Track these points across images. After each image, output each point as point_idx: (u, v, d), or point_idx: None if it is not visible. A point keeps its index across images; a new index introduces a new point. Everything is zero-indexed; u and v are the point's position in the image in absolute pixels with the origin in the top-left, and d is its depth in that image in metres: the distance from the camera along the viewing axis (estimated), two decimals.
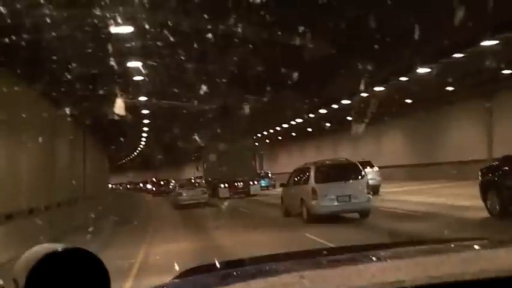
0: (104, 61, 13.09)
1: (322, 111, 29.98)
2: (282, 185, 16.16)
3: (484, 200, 11.22)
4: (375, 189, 20.87)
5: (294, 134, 42.12)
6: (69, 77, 13.60)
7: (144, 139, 42.56)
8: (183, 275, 1.61)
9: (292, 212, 14.12)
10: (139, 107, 23.51)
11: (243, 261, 1.83)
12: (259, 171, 37.03)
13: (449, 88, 23.43)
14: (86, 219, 16.30)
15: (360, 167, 13.18)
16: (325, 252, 2.03)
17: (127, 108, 17.82)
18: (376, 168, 22.39)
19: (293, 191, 14.01)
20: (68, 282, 0.87)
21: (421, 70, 19.22)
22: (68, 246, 0.91)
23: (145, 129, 34.11)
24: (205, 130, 30.26)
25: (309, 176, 12.84)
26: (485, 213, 11.09)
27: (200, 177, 33.57)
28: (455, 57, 16.80)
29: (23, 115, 12.40)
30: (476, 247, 1.51)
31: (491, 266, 1.01)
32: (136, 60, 14.79)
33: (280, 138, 45.74)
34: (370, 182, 20.95)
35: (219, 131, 30.39)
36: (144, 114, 26.45)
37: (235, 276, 1.41)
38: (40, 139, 14.07)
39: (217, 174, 29.26)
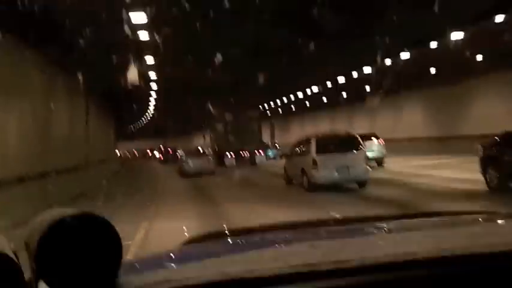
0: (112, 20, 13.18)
1: (340, 79, 29.49)
2: (284, 155, 17.04)
3: (484, 174, 11.69)
4: (379, 161, 21.79)
5: (308, 104, 41.37)
6: (79, 42, 13.72)
7: (152, 106, 42.90)
8: (192, 240, 1.62)
9: (294, 181, 14.99)
10: (149, 75, 24.02)
11: (253, 229, 1.85)
12: (267, 142, 37.96)
13: (479, 57, 22.50)
14: (84, 189, 16.16)
15: (359, 140, 13.92)
16: (335, 222, 2.07)
17: (138, 75, 18.28)
18: (381, 141, 22.75)
19: (295, 161, 14.85)
20: (81, 247, 0.88)
21: (453, 36, 18.32)
22: (81, 211, 0.91)
23: (154, 96, 34.50)
24: (215, 100, 30.93)
25: (310, 147, 13.64)
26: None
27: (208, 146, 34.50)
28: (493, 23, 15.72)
29: (14, 75, 11.44)
30: (485, 221, 1.55)
31: (499, 239, 1.03)
32: (146, 26, 14.93)
33: (294, 108, 45.32)
34: (375, 154, 21.73)
35: (229, 100, 31.06)
36: (153, 81, 26.98)
37: (246, 244, 1.44)
38: (33, 101, 13.08)
39: (224, 143, 30.22)
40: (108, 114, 32.82)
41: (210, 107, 30.93)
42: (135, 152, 73.73)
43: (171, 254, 1.36)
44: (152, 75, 24.36)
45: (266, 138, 38.12)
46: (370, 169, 13.75)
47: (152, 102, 39.15)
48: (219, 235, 1.73)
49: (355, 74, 28.96)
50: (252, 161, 29.31)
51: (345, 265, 0.88)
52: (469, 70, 23.92)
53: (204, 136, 36.48)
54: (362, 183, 13.30)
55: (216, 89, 27.67)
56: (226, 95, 29.72)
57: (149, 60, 19.99)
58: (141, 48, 17.29)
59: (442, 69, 25.40)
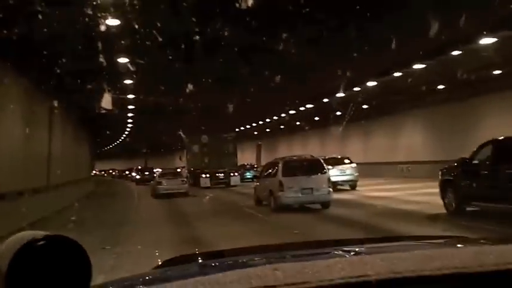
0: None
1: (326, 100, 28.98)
2: (255, 177, 18.10)
3: (442, 198, 12.35)
4: (352, 184, 22.54)
5: (298, 123, 40.54)
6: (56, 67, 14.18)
7: (128, 129, 43.24)
8: (163, 264, 1.69)
9: (263, 202, 16.01)
10: (126, 101, 24.77)
11: (222, 253, 1.97)
12: (249, 164, 39.12)
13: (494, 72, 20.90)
14: (47, 212, 14.90)
15: (323, 163, 15.07)
16: (301, 245, 2.21)
17: (113, 102, 19.08)
18: (354, 164, 23.57)
19: (264, 182, 15.91)
20: (50, 268, 0.89)
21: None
22: (51, 234, 0.92)
23: (130, 120, 35.03)
24: (191, 122, 31.85)
25: (277, 169, 14.76)
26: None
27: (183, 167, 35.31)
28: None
29: None
30: (441, 245, 1.65)
31: (450, 263, 1.07)
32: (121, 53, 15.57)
33: (282, 127, 45.09)
34: (348, 177, 22.63)
35: (205, 123, 31.99)
36: (130, 109, 27.77)
37: (213, 267, 1.51)
38: None
39: (200, 164, 31.16)
40: (83, 135, 32.22)
41: (182, 133, 31.72)
42: (113, 171, 72.87)
43: (141, 278, 1.44)
44: (130, 98, 25.05)
45: (252, 159, 38.39)
46: (331, 191, 14.80)
47: (130, 124, 39.67)
48: (190, 259, 1.84)
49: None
50: (227, 182, 30.23)
51: (302, 286, 0.96)
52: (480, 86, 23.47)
53: (180, 157, 37.32)
54: (325, 204, 14.39)
55: (192, 113, 28.57)
56: (202, 118, 30.65)
57: (127, 85, 20.54)
58: (119, 75, 18.01)
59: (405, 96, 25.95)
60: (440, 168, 13.13)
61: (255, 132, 47.90)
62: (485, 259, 1.12)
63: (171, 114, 30.03)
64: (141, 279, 1.44)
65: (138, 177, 47.53)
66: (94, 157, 59.42)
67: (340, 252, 1.59)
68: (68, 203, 18.95)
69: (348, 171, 23.13)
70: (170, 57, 15.93)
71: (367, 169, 30.22)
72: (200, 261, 1.81)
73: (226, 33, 13.62)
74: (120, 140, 55.54)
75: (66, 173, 22.41)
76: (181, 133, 31.32)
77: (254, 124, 43.30)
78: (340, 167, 23.07)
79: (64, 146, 23.10)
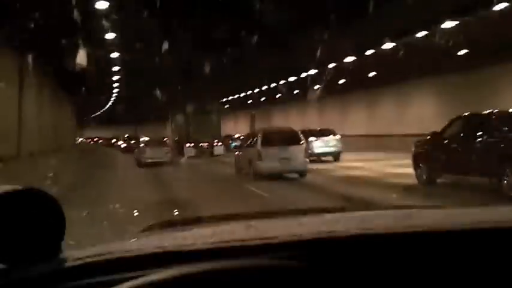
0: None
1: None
2: (236, 147, 18.64)
3: (415, 169, 12.91)
4: (335, 156, 23.00)
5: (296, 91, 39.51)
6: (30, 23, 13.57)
7: (115, 93, 42.98)
8: (149, 228, 1.69)
9: (243, 171, 16.65)
10: (110, 61, 24.47)
11: (202, 218, 2.01)
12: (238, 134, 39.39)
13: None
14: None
15: (300, 135, 15.78)
16: (282, 212, 2.26)
17: (90, 59, 18.11)
18: (338, 136, 23.86)
19: (244, 153, 16.56)
20: (23, 220, 0.89)
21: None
22: (24, 186, 0.92)
23: (116, 84, 34.89)
24: (176, 92, 32.01)
25: (256, 140, 15.42)
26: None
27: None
28: None
29: None
30: (411, 210, 1.69)
31: (422, 222, 1.15)
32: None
33: (277, 96, 42.12)
34: (332, 149, 23.11)
35: (190, 93, 32.19)
36: (114, 71, 27.66)
37: (191, 229, 1.52)
38: None
39: (184, 134, 31.64)
40: (64, 98, 30.92)
41: (172, 98, 31.77)
42: (99, 140, 72.34)
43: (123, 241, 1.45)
44: (113, 57, 24.59)
45: (246, 129, 37.64)
46: (308, 161, 15.57)
47: (116, 89, 39.52)
48: (172, 224, 1.87)
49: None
50: (210, 151, 30.85)
51: (271, 241, 0.97)
52: (414, 70, 23.94)
53: (166, 126, 37.77)
54: (302, 174, 15.16)
55: (178, 81, 28.64)
56: (191, 87, 30.77)
57: (108, 41, 20.12)
58: (100, 29, 17.70)
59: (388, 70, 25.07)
60: (414, 141, 13.69)
61: (250, 101, 46.98)
62: (457, 220, 1.18)
63: (159, 83, 30.02)
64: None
65: (124, 145, 47.56)
66: (81, 123, 58.72)
67: (315, 215, 1.68)
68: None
69: (332, 143, 23.52)
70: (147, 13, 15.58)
71: (371, 141, 29.47)
72: (180, 226, 1.84)
73: None
74: (108, 105, 54.86)
75: (43, 140, 20.97)
76: (162, 96, 31.08)
77: (249, 92, 42.27)
78: (325, 138, 23.44)
79: (39, 110, 21.49)
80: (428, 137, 13.06)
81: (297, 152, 14.94)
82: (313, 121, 33.13)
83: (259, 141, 15.12)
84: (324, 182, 14.41)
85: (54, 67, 22.07)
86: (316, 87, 28.62)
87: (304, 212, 1.95)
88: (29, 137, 17.66)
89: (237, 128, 48.32)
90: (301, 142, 15.39)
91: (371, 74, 28.15)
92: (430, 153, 12.52)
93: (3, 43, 15.51)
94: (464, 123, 11.99)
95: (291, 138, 15.36)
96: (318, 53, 19.18)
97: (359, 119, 33.78)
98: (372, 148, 28.20)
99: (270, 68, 26.90)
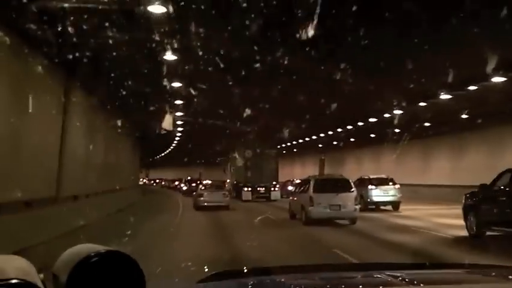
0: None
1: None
2: (290, 193, 19.69)
3: (465, 221, 13.29)
4: (394, 205, 22.91)
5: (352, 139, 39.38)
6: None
7: (177, 138, 44.74)
8: (208, 279, 1.71)
9: (296, 216, 17.72)
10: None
11: (268, 270, 1.98)
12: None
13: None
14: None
15: (351, 183, 16.86)
16: (346, 267, 2.21)
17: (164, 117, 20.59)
18: (397, 186, 23.86)
19: (297, 198, 17.73)
20: (106, 282, 0.96)
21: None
22: (108, 249, 0.99)
23: (179, 134, 36.41)
24: (237, 138, 33.70)
25: (308, 186, 16.59)
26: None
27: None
28: None
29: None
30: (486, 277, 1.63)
31: None
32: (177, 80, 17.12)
33: (341, 143, 42.16)
34: (391, 198, 23.06)
35: (250, 139, 33.70)
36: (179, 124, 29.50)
37: (258, 286, 1.55)
38: None
39: (242, 178, 33.18)
40: (133, 144, 32.53)
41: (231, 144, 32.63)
42: (162, 181, 73.46)
43: None
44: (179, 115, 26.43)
45: (314, 173, 36.38)
46: (358, 208, 16.39)
47: (178, 137, 41.20)
48: (235, 274, 1.87)
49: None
50: (267, 196, 32.04)
51: None
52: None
53: (224, 170, 39.39)
54: (352, 220, 16.05)
55: (239, 130, 30.23)
56: (248, 134, 32.28)
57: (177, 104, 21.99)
58: (173, 94, 19.55)
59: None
60: (465, 193, 14.11)
61: (320, 145, 46.31)
62: None
63: (221, 129, 31.71)
64: None
65: (185, 188, 47.56)
66: (146, 165, 60.30)
67: (384, 276, 1.59)
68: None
69: (391, 192, 23.56)
70: (230, 83, 17.20)
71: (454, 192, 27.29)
72: (244, 277, 1.85)
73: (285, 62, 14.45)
74: (171, 148, 55.76)
75: (96, 181, 19.44)
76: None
77: (320, 135, 40.78)
78: (384, 187, 23.59)
79: (95, 148, 20.10)
80: (478, 189, 13.40)
81: (347, 199, 15.91)
82: (389, 168, 32.11)
83: (311, 188, 16.22)
84: (372, 228, 15.09)
85: (139, 129, 24.13)
86: (393, 131, 27.66)
87: (366, 267, 1.96)
88: (72, 176, 15.77)
89: (304, 172, 47.65)
90: (352, 190, 16.35)
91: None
92: (479, 205, 12.88)
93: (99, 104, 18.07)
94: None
95: (342, 185, 16.41)
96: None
97: (441, 167, 32.10)
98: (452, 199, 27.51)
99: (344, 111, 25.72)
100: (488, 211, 12.53)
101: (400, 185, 24.10)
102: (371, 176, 24.78)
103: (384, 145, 32.26)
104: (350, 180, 16.92)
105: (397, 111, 24.82)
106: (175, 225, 17.49)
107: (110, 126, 20.80)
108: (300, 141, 46.31)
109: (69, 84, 14.91)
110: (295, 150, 51.97)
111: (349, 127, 33.19)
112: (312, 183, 16.43)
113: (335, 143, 42.29)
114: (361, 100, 21.87)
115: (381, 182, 23.82)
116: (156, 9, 10.11)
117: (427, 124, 27.56)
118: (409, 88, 18.37)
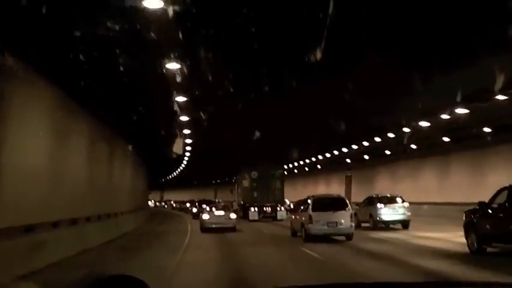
0: None
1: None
2: (291, 211, 20.30)
3: (466, 238, 13.55)
4: (404, 224, 22.22)
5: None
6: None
7: (187, 158, 44.97)
8: None
9: (297, 233, 18.65)
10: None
11: None
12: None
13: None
14: None
15: (347, 201, 17.93)
16: (381, 286, 2.16)
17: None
18: (406, 204, 23.25)
19: (298, 216, 18.70)
20: None
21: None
22: (119, 273, 1.03)
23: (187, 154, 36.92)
24: (243, 159, 34.37)
25: (308, 205, 17.59)
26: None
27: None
28: None
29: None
30: None
31: None
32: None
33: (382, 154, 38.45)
34: (400, 217, 22.55)
35: (256, 159, 34.21)
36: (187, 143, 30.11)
37: None
38: None
39: (249, 198, 33.81)
40: (140, 163, 32.46)
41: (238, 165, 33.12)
42: (173, 204, 72.40)
43: None
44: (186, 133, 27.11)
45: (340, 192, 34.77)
46: (353, 225, 17.28)
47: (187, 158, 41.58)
48: None
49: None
50: (274, 216, 32.57)
51: None
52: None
53: (231, 190, 40.07)
54: (348, 237, 16.97)
55: (245, 151, 30.76)
56: (254, 155, 32.78)
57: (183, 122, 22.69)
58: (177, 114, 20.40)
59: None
60: (465, 211, 14.32)
61: (348, 160, 44.26)
62: None
63: (228, 150, 32.37)
64: None
65: (194, 210, 42.59)
66: (156, 186, 60.45)
67: None
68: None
69: (400, 211, 23.08)
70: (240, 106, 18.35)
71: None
72: None
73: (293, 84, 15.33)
74: (180, 169, 55.01)
75: (98, 203, 17.78)
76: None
77: (345, 150, 39.54)
78: (393, 205, 23.18)
79: (99, 172, 18.92)
80: (477, 206, 13.62)
81: (343, 217, 16.84)
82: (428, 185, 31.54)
83: (310, 206, 17.20)
84: (366, 244, 15.82)
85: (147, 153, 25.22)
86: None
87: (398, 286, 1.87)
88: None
89: (328, 190, 44.37)
90: (347, 208, 17.33)
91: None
92: (478, 222, 13.13)
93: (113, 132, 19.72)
94: (509, 193, 12.41)
95: (338, 204, 17.43)
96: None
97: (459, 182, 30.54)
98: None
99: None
100: (487, 228, 12.75)
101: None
102: (380, 195, 24.68)
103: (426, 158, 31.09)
104: (345, 199, 18.24)
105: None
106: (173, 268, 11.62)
107: (112, 148, 21.25)
108: (320, 157, 45.58)
109: None
110: (318, 166, 51.04)
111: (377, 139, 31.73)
112: (310, 202, 17.43)
113: (366, 157, 40.53)
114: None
115: (389, 201, 23.39)
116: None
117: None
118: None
